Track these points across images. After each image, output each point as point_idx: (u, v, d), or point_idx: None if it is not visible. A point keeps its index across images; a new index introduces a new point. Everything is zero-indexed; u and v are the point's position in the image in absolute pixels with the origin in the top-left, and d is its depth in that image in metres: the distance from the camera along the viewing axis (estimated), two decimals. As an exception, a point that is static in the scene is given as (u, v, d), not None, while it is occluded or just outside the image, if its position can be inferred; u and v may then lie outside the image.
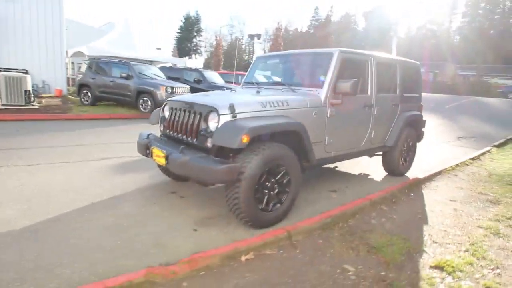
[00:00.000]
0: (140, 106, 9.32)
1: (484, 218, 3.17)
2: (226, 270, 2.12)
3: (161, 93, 9.07)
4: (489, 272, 2.21)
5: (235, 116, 2.69)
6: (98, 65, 10.10)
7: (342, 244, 2.57)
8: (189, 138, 2.95)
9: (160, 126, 3.51)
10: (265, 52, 66.02)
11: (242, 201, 2.58)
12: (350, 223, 2.97)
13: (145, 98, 9.22)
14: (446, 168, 4.92)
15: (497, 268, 2.26)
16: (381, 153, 4.49)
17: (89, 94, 10.02)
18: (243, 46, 69.78)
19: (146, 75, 9.70)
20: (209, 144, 2.73)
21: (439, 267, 2.26)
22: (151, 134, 3.41)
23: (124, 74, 9.34)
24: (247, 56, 71.48)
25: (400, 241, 2.65)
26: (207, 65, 46.04)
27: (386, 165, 4.62)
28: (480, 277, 2.15)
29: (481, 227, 2.94)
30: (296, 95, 3.26)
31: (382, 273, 2.19)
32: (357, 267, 2.25)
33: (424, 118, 4.94)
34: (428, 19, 51.11)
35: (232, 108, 2.68)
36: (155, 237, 2.60)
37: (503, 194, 3.83)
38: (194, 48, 55.19)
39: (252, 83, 4.17)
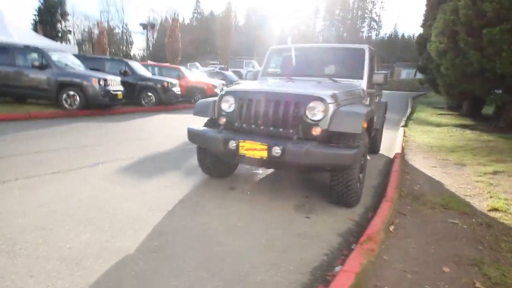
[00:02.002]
0: (64, 102, 7.70)
1: (470, 175, 4.32)
2: (393, 241, 2.39)
3: (93, 86, 7.74)
4: (521, 207, 3.18)
5: (340, 104, 2.87)
6: (-10, 51, 7.70)
7: (423, 207, 3.15)
8: (281, 129, 2.92)
9: (219, 119, 3.27)
10: (148, 44, 61.59)
11: (356, 182, 2.82)
12: (404, 192, 3.58)
13: (71, 93, 7.66)
14: (402, 145, 6.20)
15: (520, 203, 3.27)
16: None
17: (-21, 88, 7.58)
18: (120, 35, 63.31)
19: (67, 65, 8.03)
20: (315, 132, 2.82)
21: (494, 209, 3.10)
22: (222, 127, 3.16)
23: (36, 63, 7.48)
24: (124, 47, 65.18)
25: (449, 198, 3.41)
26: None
27: (372, 145, 5.50)
28: (522, 211, 3.08)
29: (477, 181, 4.04)
30: (351, 86, 3.61)
31: (473, 220, 2.87)
32: (456, 219, 2.86)
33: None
34: (301, 21, 58.11)
35: (335, 97, 2.86)
36: (286, 229, 2.58)
37: (459, 159, 5.21)
38: (60, 35, 46.61)
39: (277, 75, 4.27)
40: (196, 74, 13.91)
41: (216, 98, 3.35)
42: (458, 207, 3.17)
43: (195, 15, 66.04)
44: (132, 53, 64.41)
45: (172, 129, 7.26)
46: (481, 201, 3.37)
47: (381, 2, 62.28)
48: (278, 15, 65.01)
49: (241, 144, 2.91)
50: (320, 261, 2.13)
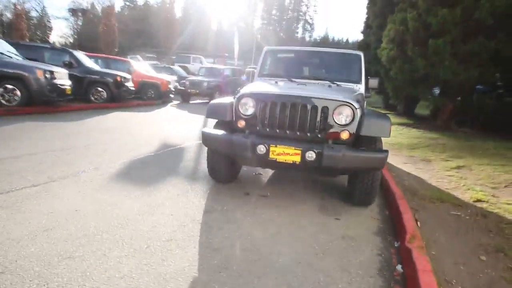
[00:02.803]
0: (1, 98, 6.50)
1: (439, 170, 4.91)
2: (426, 236, 2.60)
3: (38, 79, 6.70)
4: (492, 196, 3.74)
5: (362, 109, 3.00)
6: None
7: (424, 202, 3.49)
8: (309, 134, 2.94)
9: (237, 122, 3.14)
10: (74, 32, 55.56)
11: (379, 183, 3.00)
12: (401, 188, 3.91)
13: (9, 87, 6.51)
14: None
15: (495, 188, 3.84)
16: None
17: None
18: (37, 19, 55.79)
19: (1, 53, 6.77)
20: (343, 136, 2.90)
21: (478, 200, 3.59)
22: (248, 131, 3.03)
23: (-39, 50, 6.16)
24: (40, 32, 57.66)
25: (438, 192, 3.85)
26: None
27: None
28: (497, 202, 3.62)
29: (449, 176, 4.61)
30: (355, 91, 3.78)
31: (469, 211, 3.28)
32: (455, 211, 3.24)
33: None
34: (239, 17, 58.26)
35: (359, 102, 2.99)
36: (328, 233, 2.63)
37: (422, 155, 5.87)
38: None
39: (275, 76, 4.25)
40: (146, 68, 12.99)
41: (232, 100, 3.21)
42: (450, 199, 3.59)
43: (127, 3, 61.37)
44: (51, 41, 57.21)
45: (137, 129, 6.70)
46: (462, 193, 3.87)
47: (314, 6, 66.16)
48: (217, 10, 64.39)
49: (271, 149, 2.85)
50: (378, 262, 2.23)
